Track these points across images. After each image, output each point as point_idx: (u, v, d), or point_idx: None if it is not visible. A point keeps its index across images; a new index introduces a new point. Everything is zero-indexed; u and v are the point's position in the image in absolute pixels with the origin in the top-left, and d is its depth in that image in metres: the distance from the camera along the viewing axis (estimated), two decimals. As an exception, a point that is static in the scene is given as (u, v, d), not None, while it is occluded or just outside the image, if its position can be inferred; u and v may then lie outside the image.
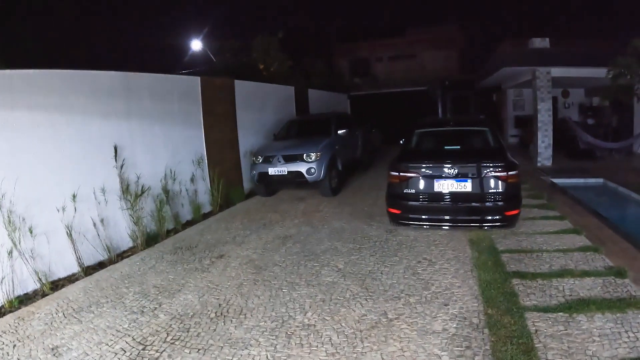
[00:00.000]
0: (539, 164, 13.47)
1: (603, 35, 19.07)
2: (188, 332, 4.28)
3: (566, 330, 3.82)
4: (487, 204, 6.58)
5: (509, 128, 20.26)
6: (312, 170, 9.71)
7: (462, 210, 6.73)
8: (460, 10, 36.11)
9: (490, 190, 6.57)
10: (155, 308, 4.88)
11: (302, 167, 9.79)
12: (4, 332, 4.57)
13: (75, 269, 6.21)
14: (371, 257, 6.07)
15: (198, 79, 9.72)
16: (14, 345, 4.26)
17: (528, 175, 11.05)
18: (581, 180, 11.08)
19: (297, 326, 4.22)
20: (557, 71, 13.43)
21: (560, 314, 4.11)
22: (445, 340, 3.80)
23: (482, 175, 6.58)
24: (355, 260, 5.96)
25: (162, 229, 7.72)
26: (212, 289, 5.33)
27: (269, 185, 10.69)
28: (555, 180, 10.77)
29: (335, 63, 25.93)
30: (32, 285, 5.68)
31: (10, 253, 5.35)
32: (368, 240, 6.84)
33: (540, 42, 14.13)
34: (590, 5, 28.57)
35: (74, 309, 5.04)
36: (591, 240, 6.17)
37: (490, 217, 6.65)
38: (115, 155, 7.12)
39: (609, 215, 7.57)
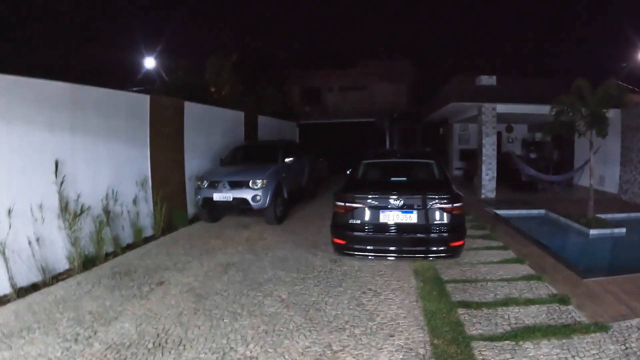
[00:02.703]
0: (482, 196, 13.97)
1: (547, 74, 20.03)
2: (124, 362, 4.12)
3: (513, 358, 3.95)
4: (432, 235, 6.70)
5: (454, 161, 20.94)
6: (258, 198, 9.66)
7: (407, 241, 6.80)
8: (411, 46, 37.19)
9: (435, 222, 6.71)
10: (90, 336, 4.67)
11: (247, 194, 9.73)
12: None
13: (7, 289, 5.89)
14: (315, 287, 6.06)
15: (147, 97, 9.58)
16: None
17: (472, 207, 11.39)
18: (524, 212, 11.54)
19: (239, 358, 4.13)
20: (502, 107, 14.15)
21: (507, 342, 4.23)
22: (390, 374, 3.81)
23: (428, 207, 6.72)
24: (299, 291, 5.93)
25: (100, 251, 7.46)
26: (150, 317, 5.16)
27: (213, 211, 10.54)
28: (499, 212, 11.17)
29: (287, 90, 26.04)
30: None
31: None
32: (312, 270, 6.84)
33: (487, 80, 14.84)
34: (536, 46, 30.03)
35: (3, 334, 4.77)
36: (534, 269, 6.47)
37: (435, 248, 6.78)
38: (56, 171, 6.87)
39: (550, 245, 7.94)
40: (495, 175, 14.21)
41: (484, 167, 14.11)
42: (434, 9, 43.84)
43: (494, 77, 15.10)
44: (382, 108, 24.92)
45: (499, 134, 17.04)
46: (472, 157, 17.68)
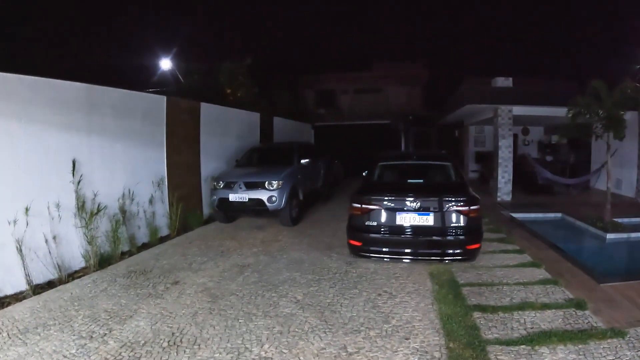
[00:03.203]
0: (498, 199, 13.84)
1: (563, 76, 19.85)
2: (139, 361, 4.11)
3: (528, 364, 3.86)
4: (449, 237, 6.64)
5: (470, 163, 20.77)
6: (273, 199, 9.65)
7: (423, 244, 6.75)
8: (425, 48, 37.12)
9: (451, 224, 6.65)
10: (105, 334, 4.68)
11: (263, 195, 9.72)
12: (-60, 353, 4.31)
13: (23, 286, 5.95)
14: (330, 289, 6.01)
15: (164, 98, 9.62)
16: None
17: (488, 210, 11.28)
18: (540, 215, 11.40)
19: (254, 359, 4.10)
20: (518, 109, 14.00)
21: (523, 346, 4.17)
22: (405, 377, 3.76)
23: (444, 209, 6.66)
24: (314, 292, 5.89)
25: (116, 250, 7.50)
26: (165, 316, 5.16)
27: (228, 212, 10.54)
28: (515, 215, 11.05)
29: (302, 93, 26.08)
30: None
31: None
32: (327, 271, 6.79)
33: (503, 81, 14.72)
34: (552, 46, 29.79)
35: (19, 330, 4.80)
36: (550, 273, 6.36)
37: (451, 251, 6.72)
38: (73, 170, 6.94)
39: (567, 249, 7.83)
40: (511, 178, 14.07)
41: (499, 170, 13.99)
42: (449, 12, 43.71)
43: (510, 79, 14.98)
44: (397, 110, 24.83)
45: (515, 137, 16.89)
46: (487, 160, 17.58)
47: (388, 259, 7.05)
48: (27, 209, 6.02)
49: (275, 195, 9.68)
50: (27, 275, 5.95)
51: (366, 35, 41.65)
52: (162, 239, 8.97)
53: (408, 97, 27.07)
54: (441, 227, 6.67)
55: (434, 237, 6.68)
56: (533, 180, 15.28)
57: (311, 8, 41.41)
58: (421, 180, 7.81)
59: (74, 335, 4.65)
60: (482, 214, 7.25)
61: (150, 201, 8.87)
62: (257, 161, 11.88)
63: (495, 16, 37.70)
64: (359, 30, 41.74)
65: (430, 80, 27.53)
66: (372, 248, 6.97)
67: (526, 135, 20.10)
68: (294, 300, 5.60)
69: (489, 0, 41.42)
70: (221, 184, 10.15)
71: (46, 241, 6.34)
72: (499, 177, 14.00)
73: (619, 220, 9.66)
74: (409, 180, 7.85)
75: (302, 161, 11.49)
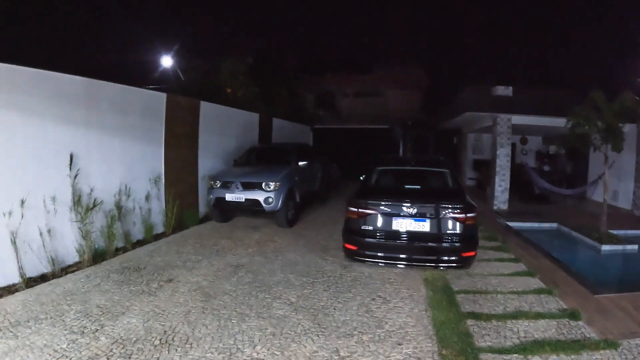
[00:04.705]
0: (495, 207, 13.84)
1: (564, 85, 19.87)
2: (129, 358, 4.08)
3: (521, 372, 3.86)
4: (444, 244, 6.65)
5: (467, 170, 20.75)
6: (270, 200, 9.64)
7: (418, 250, 6.74)
8: (425, 54, 37.21)
9: (448, 231, 6.66)
10: (97, 330, 4.65)
11: (260, 196, 9.71)
12: None
13: (16, 279, 5.93)
14: (324, 292, 6.00)
15: (164, 95, 9.61)
16: (-61, 359, 3.99)
17: (484, 218, 11.28)
18: (536, 224, 11.39)
19: (245, 359, 4.09)
20: (517, 119, 14.04)
21: (515, 355, 4.17)
22: (397, 384, 3.75)
23: (441, 216, 6.68)
24: (308, 295, 5.88)
25: (111, 246, 7.47)
26: (158, 314, 5.13)
27: (224, 211, 10.54)
28: (511, 224, 11.06)
29: (301, 94, 26.11)
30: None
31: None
32: (322, 274, 6.78)
33: (503, 90, 14.75)
34: (553, 56, 29.87)
35: (10, 322, 4.78)
36: (545, 282, 6.37)
37: (446, 258, 6.72)
38: (71, 164, 6.91)
39: (562, 259, 7.84)
40: (508, 186, 14.10)
41: (497, 178, 14.00)
42: (450, 18, 43.80)
43: (510, 88, 14.99)
44: (396, 115, 24.86)
45: (512, 145, 16.92)
46: (485, 168, 17.59)
47: (383, 264, 7.04)
48: (22, 202, 5.99)
49: (272, 196, 9.66)
50: (20, 268, 5.93)
51: (367, 39, 41.80)
52: (157, 237, 8.93)
53: (407, 102, 27.19)
54: (437, 234, 6.68)
55: (430, 244, 6.68)
56: (530, 190, 15.31)
57: (313, 10, 41.53)
58: (418, 186, 7.82)
59: (65, 329, 4.63)
60: (478, 221, 7.25)
61: (147, 198, 8.84)
62: (255, 161, 11.87)
63: (496, 23, 37.80)
64: (360, 33, 41.84)
65: (429, 86, 27.61)
66: (367, 252, 6.96)
67: (524, 145, 20.12)
68: (287, 302, 5.58)
69: (490, 7, 41.46)
70: (218, 183, 10.14)
71: (40, 234, 6.31)
72: (496, 186, 14.00)
73: (615, 232, 9.67)
74: (406, 186, 7.87)
75: (300, 163, 11.47)
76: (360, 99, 27.94)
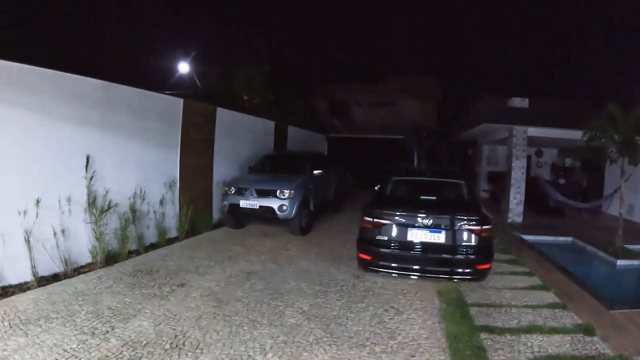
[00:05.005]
0: (509, 220, 13.65)
1: (580, 98, 19.71)
2: (140, 361, 4.05)
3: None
4: (459, 256, 6.54)
5: (482, 182, 20.57)
6: (284, 208, 9.59)
7: (433, 261, 6.65)
8: (440, 64, 37.16)
9: (463, 243, 6.56)
10: (108, 331, 4.63)
11: (274, 203, 9.67)
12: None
13: (28, 277, 5.95)
14: (337, 301, 5.93)
15: (181, 101, 9.64)
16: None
17: (498, 231, 11.12)
18: (550, 238, 11.22)
19: (256, 367, 4.03)
20: (533, 131, 13.85)
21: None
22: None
23: (456, 228, 6.58)
24: (320, 304, 5.81)
25: (124, 248, 7.47)
26: (169, 318, 5.10)
27: (238, 218, 10.50)
28: (525, 237, 10.92)
29: (316, 103, 26.11)
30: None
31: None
32: (335, 283, 6.70)
33: (519, 102, 14.58)
34: (570, 67, 29.68)
35: (21, 320, 4.78)
36: (560, 297, 6.25)
37: (461, 270, 6.60)
38: (87, 166, 6.95)
39: (577, 273, 7.70)
40: (523, 199, 13.90)
41: (512, 191, 13.82)
42: (465, 28, 43.77)
43: (527, 100, 14.81)
44: (410, 125, 24.77)
45: (528, 158, 16.76)
46: (500, 180, 17.45)
47: (396, 275, 6.95)
48: (37, 201, 6.02)
49: (287, 204, 9.62)
50: (33, 266, 5.95)
51: (381, 48, 41.83)
52: (171, 241, 8.93)
53: (421, 112, 27.06)
54: (452, 245, 6.57)
55: (445, 255, 6.58)
56: (545, 203, 15.14)
57: (329, 19, 41.73)
58: (434, 197, 7.72)
59: (75, 330, 4.62)
60: (494, 234, 7.15)
61: (161, 202, 8.85)
62: (270, 169, 11.84)
63: (512, 35, 37.70)
64: (374, 43, 41.87)
65: (444, 96, 27.53)
66: (381, 262, 6.86)
67: (540, 157, 19.96)
68: (299, 311, 5.52)
69: (506, 18, 41.41)
70: (233, 190, 10.12)
71: (54, 234, 6.33)
72: (511, 198, 13.82)
73: (631, 246, 9.48)
74: (421, 197, 7.77)
75: (315, 172, 11.41)
76: (375, 108, 27.86)
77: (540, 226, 12.69)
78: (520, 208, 13.85)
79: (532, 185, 15.36)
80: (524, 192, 13.94)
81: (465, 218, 6.60)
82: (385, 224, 6.82)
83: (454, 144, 23.02)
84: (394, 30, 44.41)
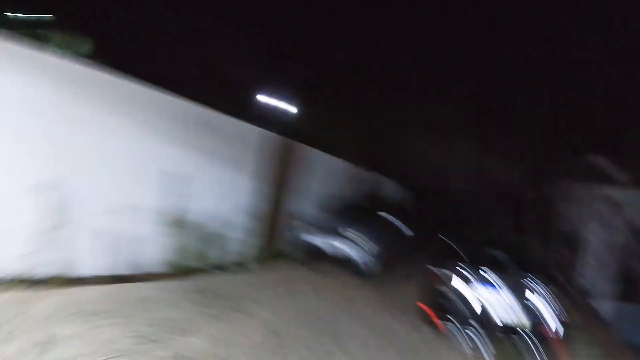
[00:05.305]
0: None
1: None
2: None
3: None
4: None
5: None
6: (363, 256, 9.41)
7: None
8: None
9: None
10: (161, 340, 4.73)
11: (353, 251, 9.50)
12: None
13: (99, 272, 6.25)
14: (394, 353, 5.81)
15: (271, 134, 10.02)
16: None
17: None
18: None
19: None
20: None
21: None
22: None
23: None
24: (374, 353, 5.73)
25: (194, 265, 7.71)
26: (223, 340, 5.13)
27: (311, 257, 10.28)
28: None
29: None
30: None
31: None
32: (394, 333, 6.61)
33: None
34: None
35: (82, 310, 4.98)
36: None
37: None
38: (171, 182, 7.32)
39: None
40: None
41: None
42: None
43: None
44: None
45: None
46: None
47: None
48: (125, 207, 6.39)
49: (366, 253, 9.44)
50: (110, 264, 6.31)
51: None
52: (240, 265, 9.04)
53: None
54: None
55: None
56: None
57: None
58: None
59: (132, 332, 4.74)
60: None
61: (237, 227, 9.06)
62: (354, 214, 11.60)
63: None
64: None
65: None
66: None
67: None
68: (351, 356, 5.41)
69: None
70: (311, 228, 10.11)
71: (133, 239, 6.64)
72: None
73: None
74: None
75: (396, 222, 11.25)
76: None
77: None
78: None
79: None
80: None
81: None
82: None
83: None
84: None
